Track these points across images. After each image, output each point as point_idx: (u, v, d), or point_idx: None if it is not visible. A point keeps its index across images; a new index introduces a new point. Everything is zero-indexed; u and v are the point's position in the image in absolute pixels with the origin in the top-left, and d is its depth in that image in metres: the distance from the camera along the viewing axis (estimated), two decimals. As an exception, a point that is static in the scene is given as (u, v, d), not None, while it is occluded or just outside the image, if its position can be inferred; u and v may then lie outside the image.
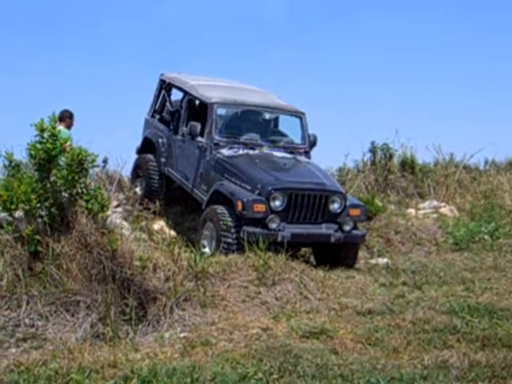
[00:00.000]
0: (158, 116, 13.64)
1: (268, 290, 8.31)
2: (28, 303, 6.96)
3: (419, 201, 15.99)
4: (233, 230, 9.84)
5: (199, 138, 11.53)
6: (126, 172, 14.57)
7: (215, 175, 11.06)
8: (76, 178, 7.49)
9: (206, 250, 10.20)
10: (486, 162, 19.50)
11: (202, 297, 7.74)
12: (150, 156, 13.13)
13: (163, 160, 12.82)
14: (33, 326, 6.84)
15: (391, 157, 16.94)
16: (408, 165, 17.16)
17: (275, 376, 5.78)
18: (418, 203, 15.73)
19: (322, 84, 34.06)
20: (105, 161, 14.54)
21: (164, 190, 12.94)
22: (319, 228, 10.35)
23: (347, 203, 10.56)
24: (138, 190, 13.35)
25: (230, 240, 9.79)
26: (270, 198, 10.00)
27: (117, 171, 14.29)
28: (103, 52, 34.07)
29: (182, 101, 12.84)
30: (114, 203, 12.55)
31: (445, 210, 15.04)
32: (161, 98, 13.69)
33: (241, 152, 11.26)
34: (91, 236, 7.34)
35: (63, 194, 7.54)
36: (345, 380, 5.75)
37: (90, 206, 7.51)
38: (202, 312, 7.53)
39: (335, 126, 27.78)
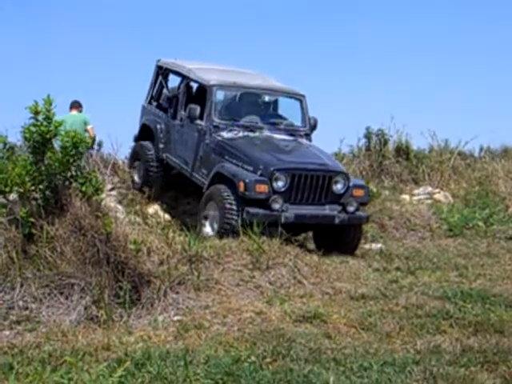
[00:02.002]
0: (155, 103, 13.44)
1: (262, 274, 8.32)
2: (22, 286, 6.95)
3: (413, 187, 16.03)
4: (236, 210, 9.74)
5: (198, 121, 11.40)
6: (121, 155, 14.56)
7: (215, 158, 10.93)
8: (71, 160, 7.47)
9: (208, 229, 10.16)
10: (481, 149, 19.53)
11: (195, 280, 7.74)
12: (148, 143, 12.92)
13: (161, 146, 12.63)
14: (27, 308, 6.84)
15: (386, 142, 16.95)
16: (403, 151, 17.17)
17: (268, 359, 5.80)
18: (412, 189, 15.77)
19: (318, 69, 34.08)
20: (99, 144, 14.57)
21: (162, 178, 12.81)
22: (323, 209, 10.25)
23: (350, 184, 10.49)
24: (135, 177, 13.17)
25: (233, 219, 9.68)
26: (273, 178, 9.91)
27: (111, 154, 14.29)
28: (101, 37, 34.05)
29: (179, 86, 12.73)
30: (109, 186, 12.54)
31: (439, 196, 15.08)
32: (158, 84, 13.48)
33: (241, 134, 11.14)
34: (85, 219, 7.33)
35: (58, 176, 7.52)
36: (338, 364, 5.77)
37: (84, 188, 7.50)
38: (196, 295, 7.53)
39: (331, 111, 27.77)
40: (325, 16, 35.94)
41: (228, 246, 8.80)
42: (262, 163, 10.19)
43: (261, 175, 10.01)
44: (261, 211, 9.70)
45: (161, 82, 13.40)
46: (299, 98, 12.11)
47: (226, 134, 11.09)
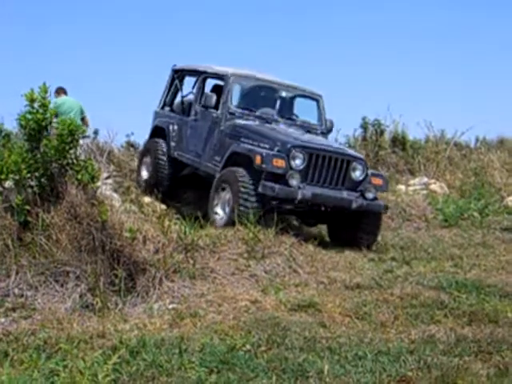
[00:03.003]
0: (168, 108, 13.39)
1: (257, 263, 8.33)
2: (17, 273, 6.94)
3: (409, 177, 16.08)
4: (252, 189, 9.65)
5: (213, 111, 11.36)
6: (117, 143, 14.54)
7: (230, 142, 10.77)
8: (66, 148, 7.45)
9: (220, 213, 10.13)
10: (477, 140, 19.60)
11: (191, 269, 7.75)
12: (161, 140, 12.80)
13: (173, 144, 12.50)
14: (22, 295, 6.82)
15: (382, 133, 16.97)
16: (399, 141, 17.21)
17: (263, 348, 5.81)
18: (408, 179, 15.82)
19: (314, 60, 34.04)
20: (95, 132, 14.57)
21: (171, 177, 12.64)
22: (340, 193, 10.10)
23: (369, 172, 10.42)
24: (144, 173, 13.05)
25: (248, 201, 9.60)
26: (290, 155, 9.79)
27: (107, 142, 14.27)
28: (98, 29, 34.07)
29: (195, 84, 12.64)
30: (104, 175, 12.52)
31: (435, 186, 15.13)
32: (172, 89, 13.36)
33: (257, 122, 11.12)
34: (81, 207, 7.31)
35: (53, 164, 7.51)
36: (332, 353, 5.78)
37: (80, 176, 7.48)
38: (191, 284, 7.54)
39: (327, 101, 27.71)
40: (320, 7, 35.89)
41: (223, 235, 8.81)
42: (280, 141, 10.10)
43: (278, 151, 9.91)
44: (277, 186, 9.55)
45: (176, 85, 13.23)
46: (316, 98, 12.07)
47: (241, 122, 11.05)
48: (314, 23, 35.85)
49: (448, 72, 34.65)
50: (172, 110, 13.25)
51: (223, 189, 10.14)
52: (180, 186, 12.80)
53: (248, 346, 5.80)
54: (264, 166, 9.62)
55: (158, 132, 13.06)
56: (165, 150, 12.61)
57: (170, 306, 7.02)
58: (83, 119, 13.40)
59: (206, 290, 7.47)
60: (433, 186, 15.11)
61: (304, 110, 12.17)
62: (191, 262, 7.87)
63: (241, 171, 9.91)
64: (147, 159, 13.00)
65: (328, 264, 8.91)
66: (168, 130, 12.67)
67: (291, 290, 7.80)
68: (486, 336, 6.31)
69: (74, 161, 7.60)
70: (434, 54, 35.26)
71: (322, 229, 11.48)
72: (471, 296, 7.70)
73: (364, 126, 17.08)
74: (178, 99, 13.32)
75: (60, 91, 13.57)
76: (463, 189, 14.91)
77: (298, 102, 12.27)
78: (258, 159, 9.69)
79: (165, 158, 12.57)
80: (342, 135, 16.95)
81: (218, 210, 10.21)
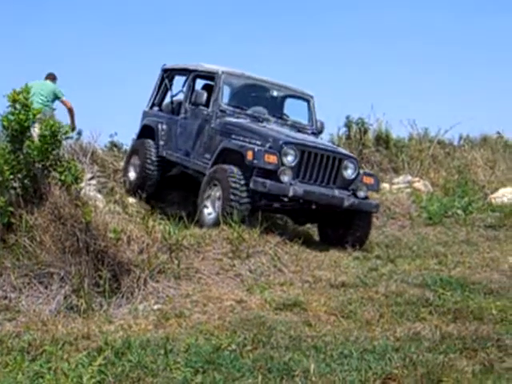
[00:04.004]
0: (156, 108, 13.33)
1: (242, 263, 8.32)
2: (1, 275, 6.90)
3: (393, 175, 16.11)
4: (242, 186, 9.60)
5: (204, 108, 11.30)
6: (100, 144, 14.48)
7: (221, 139, 10.70)
8: (49, 149, 7.41)
9: (210, 211, 10.07)
10: (461, 138, 19.68)
11: (176, 269, 7.73)
12: (149, 140, 12.69)
13: (162, 143, 12.40)
14: (6, 297, 6.79)
15: (366, 131, 17.02)
16: (383, 139, 17.26)
17: (249, 347, 5.79)
18: (392, 178, 15.86)
19: (297, 59, 34.09)
20: (79, 133, 14.50)
21: (158, 176, 12.51)
22: (332, 191, 10.08)
23: (360, 171, 10.42)
24: (131, 174, 12.91)
25: (238, 198, 9.54)
26: (282, 152, 9.75)
27: (91, 143, 14.20)
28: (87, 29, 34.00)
29: (184, 84, 12.58)
30: (88, 175, 12.45)
31: (419, 184, 15.17)
32: (162, 89, 13.30)
33: (248, 120, 11.06)
34: (65, 208, 7.28)
35: (36, 165, 7.47)
36: (318, 351, 5.77)
37: (63, 177, 7.44)
38: (176, 284, 7.52)
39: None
40: (303, 8, 36.00)
41: (208, 235, 8.80)
42: (271, 137, 10.08)
43: (270, 148, 9.86)
44: (269, 181, 9.51)
45: (165, 85, 13.17)
46: (307, 99, 12.07)
47: (232, 119, 11.00)
48: (296, 24, 35.89)
49: (431, 70, 34.84)
50: (161, 110, 13.19)
51: (214, 185, 10.07)
52: (166, 186, 12.75)
53: (233, 346, 5.79)
54: (256, 161, 9.59)
55: (146, 131, 12.95)
56: (153, 149, 12.48)
57: (155, 307, 6.99)
58: (62, 102, 13.46)
59: (191, 290, 7.45)
60: (417, 184, 15.16)
61: (295, 111, 12.14)
62: (176, 262, 7.85)
63: (232, 168, 9.85)
64: (135, 160, 12.86)
65: (313, 263, 8.92)
66: (157, 128, 12.57)
67: (276, 289, 7.79)
68: (470, 333, 6.33)
69: (57, 162, 7.56)
70: (417, 52, 35.40)
71: (307, 228, 11.50)
72: (456, 293, 7.72)
73: (348, 125, 17.12)
74: (167, 99, 13.28)
75: (48, 77, 13.62)
76: (447, 187, 14.96)
77: (289, 102, 12.26)
78: (249, 155, 9.64)
79: (153, 158, 12.44)
80: (326, 134, 16.98)
81: (208, 204, 10.14)
